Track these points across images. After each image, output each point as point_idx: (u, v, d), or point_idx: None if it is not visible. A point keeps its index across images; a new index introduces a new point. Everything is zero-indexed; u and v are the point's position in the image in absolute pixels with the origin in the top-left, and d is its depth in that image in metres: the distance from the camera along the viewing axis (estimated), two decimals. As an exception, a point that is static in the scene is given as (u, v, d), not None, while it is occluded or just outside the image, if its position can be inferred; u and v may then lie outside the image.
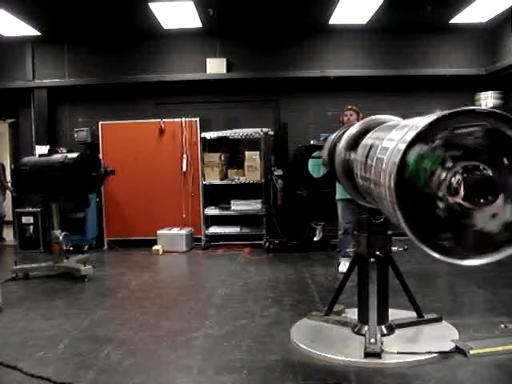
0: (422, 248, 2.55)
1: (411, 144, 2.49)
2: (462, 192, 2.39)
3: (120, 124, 8.32)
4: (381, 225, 3.75)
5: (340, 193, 6.03)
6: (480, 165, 2.44)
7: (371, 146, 3.23)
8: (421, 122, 2.55)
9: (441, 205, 2.50)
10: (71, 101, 8.90)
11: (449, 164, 2.47)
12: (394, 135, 2.86)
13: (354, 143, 3.70)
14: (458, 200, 2.42)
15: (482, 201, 2.40)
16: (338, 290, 4.17)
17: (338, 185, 5.91)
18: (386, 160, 2.70)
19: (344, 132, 3.96)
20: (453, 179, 2.43)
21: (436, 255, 2.56)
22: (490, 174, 2.43)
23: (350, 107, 6.22)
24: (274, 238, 7.81)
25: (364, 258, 3.79)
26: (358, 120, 5.66)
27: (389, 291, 3.85)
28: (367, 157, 3.18)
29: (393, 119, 3.74)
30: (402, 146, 2.52)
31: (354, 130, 3.81)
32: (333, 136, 4.23)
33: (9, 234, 9.02)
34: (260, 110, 8.78)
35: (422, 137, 2.48)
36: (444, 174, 2.47)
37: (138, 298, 5.33)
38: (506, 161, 2.50)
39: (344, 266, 5.91)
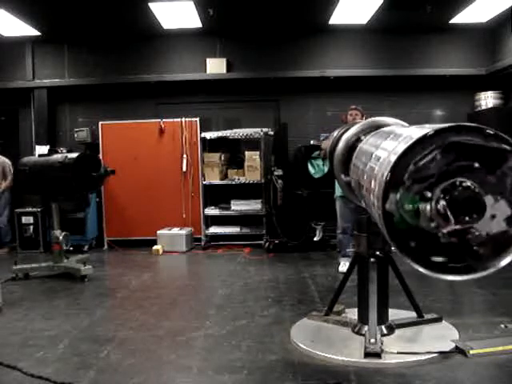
0: (413, 265, 2.54)
1: (384, 198, 2.49)
2: (451, 217, 2.39)
3: (120, 124, 8.32)
4: (381, 225, 3.74)
5: (339, 190, 5.98)
6: (456, 180, 2.42)
7: (365, 153, 3.24)
8: (385, 166, 2.54)
9: (441, 234, 2.49)
10: (71, 101, 8.90)
11: (427, 194, 2.45)
12: (386, 146, 2.89)
13: (352, 146, 3.71)
14: (453, 227, 2.41)
15: (474, 216, 2.39)
16: (337, 290, 4.17)
17: (336, 181, 5.88)
18: (375, 176, 2.73)
19: (345, 131, 3.96)
20: (438, 206, 2.42)
21: (428, 272, 2.56)
22: (468, 183, 2.41)
23: (354, 107, 6.15)
24: (273, 237, 7.81)
25: (364, 258, 3.79)
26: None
27: (389, 291, 3.86)
28: (364, 163, 3.18)
29: (391, 122, 3.75)
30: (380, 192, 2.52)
31: (352, 132, 3.81)
32: (335, 133, 4.22)
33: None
34: (260, 109, 8.78)
35: (391, 185, 2.47)
36: (428, 207, 2.45)
37: (137, 298, 5.33)
38: (476, 164, 2.47)
39: (344, 266, 5.90)
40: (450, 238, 2.49)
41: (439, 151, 2.46)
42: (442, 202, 2.41)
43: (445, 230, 2.46)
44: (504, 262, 2.57)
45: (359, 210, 4.12)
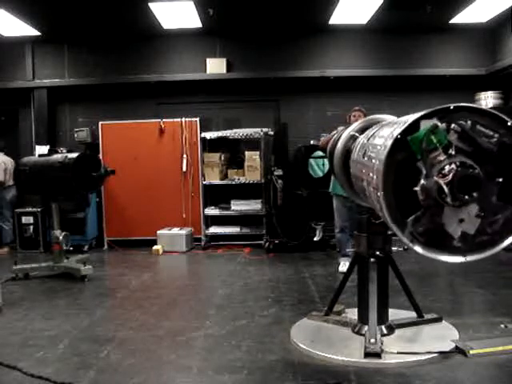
0: (399, 236, 2.65)
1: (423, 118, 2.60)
2: (449, 178, 2.49)
3: (120, 124, 8.32)
4: (381, 225, 3.74)
5: (335, 187, 5.95)
6: (477, 168, 2.53)
7: (363, 146, 3.26)
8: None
9: (424, 182, 2.59)
10: (71, 101, 8.90)
11: (451, 152, 2.56)
12: (383, 133, 2.93)
13: (351, 143, 3.72)
14: (442, 183, 2.50)
15: (463, 196, 2.51)
16: (337, 290, 4.17)
17: (333, 178, 5.86)
18: (379, 147, 2.80)
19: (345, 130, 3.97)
20: (447, 166, 2.53)
21: (413, 247, 2.65)
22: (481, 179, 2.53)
23: (357, 108, 6.12)
24: (274, 237, 7.81)
25: (364, 258, 3.79)
26: None
27: (389, 291, 3.86)
28: (363, 156, 3.19)
29: (390, 118, 3.75)
30: (399, 129, 2.61)
31: (351, 130, 3.82)
32: (334, 133, 4.23)
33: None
34: (260, 109, 8.78)
35: (439, 114, 2.60)
36: (442, 158, 2.56)
37: (137, 298, 5.33)
38: (499, 179, 2.62)
39: (344, 265, 5.90)
40: (424, 196, 2.59)
41: (498, 140, 2.60)
42: (453, 167, 2.52)
43: (435, 180, 2.54)
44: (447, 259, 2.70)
45: (357, 208, 4.12)
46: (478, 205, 2.62)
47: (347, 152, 3.75)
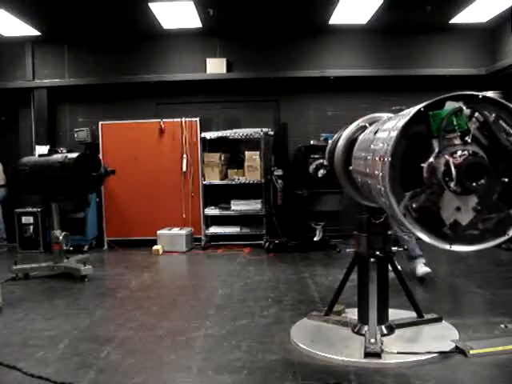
0: (393, 208, 2.63)
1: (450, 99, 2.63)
2: (459, 160, 2.50)
3: (120, 124, 8.32)
4: (381, 225, 3.75)
5: None
6: (486, 162, 2.55)
7: (365, 142, 3.26)
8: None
9: (432, 160, 2.59)
10: (71, 101, 8.90)
11: (467, 139, 2.58)
12: (386, 127, 2.96)
13: (352, 142, 3.71)
14: (452, 164, 2.50)
15: (468, 182, 2.51)
16: (337, 290, 4.17)
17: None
18: (385, 138, 2.81)
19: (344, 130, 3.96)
20: (459, 151, 2.55)
21: (404, 220, 2.64)
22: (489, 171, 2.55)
23: None
24: (273, 238, 7.81)
25: (364, 258, 3.79)
26: None
27: (389, 291, 3.85)
28: (366, 151, 3.19)
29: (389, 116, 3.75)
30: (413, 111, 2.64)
31: (351, 128, 3.81)
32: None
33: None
34: (260, 109, 8.78)
35: (466, 100, 2.62)
36: (457, 142, 2.57)
37: (137, 298, 5.33)
38: (505, 179, 2.64)
39: (422, 266, 5.50)
40: (429, 174, 2.60)
41: None
42: (466, 153, 2.54)
43: (446, 158, 2.54)
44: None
45: (358, 208, 4.09)
46: (478, 198, 2.62)
47: (351, 145, 3.72)
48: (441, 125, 2.56)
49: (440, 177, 2.57)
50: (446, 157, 2.53)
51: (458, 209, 2.63)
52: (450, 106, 2.60)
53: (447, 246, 2.65)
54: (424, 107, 2.62)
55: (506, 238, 2.71)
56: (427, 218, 2.65)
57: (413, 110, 2.65)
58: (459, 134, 2.58)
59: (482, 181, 2.52)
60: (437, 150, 2.59)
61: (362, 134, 3.59)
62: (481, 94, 2.65)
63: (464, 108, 2.60)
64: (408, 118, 2.62)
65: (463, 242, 2.67)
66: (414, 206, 2.61)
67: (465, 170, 2.50)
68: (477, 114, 2.60)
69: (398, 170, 2.63)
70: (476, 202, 2.62)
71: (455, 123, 2.57)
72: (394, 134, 2.64)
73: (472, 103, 2.63)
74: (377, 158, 2.84)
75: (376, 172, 2.82)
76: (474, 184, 2.52)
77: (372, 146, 3.08)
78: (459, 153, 2.54)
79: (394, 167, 2.62)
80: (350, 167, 3.64)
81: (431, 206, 2.61)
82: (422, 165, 2.61)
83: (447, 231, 2.64)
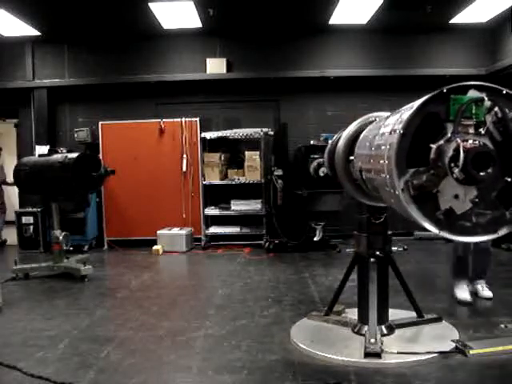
0: (394, 180, 2.63)
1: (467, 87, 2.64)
2: (469, 146, 2.50)
3: (120, 124, 8.33)
4: (381, 225, 3.75)
5: None
6: (495, 155, 2.55)
7: (367, 139, 3.26)
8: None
9: (442, 142, 2.59)
10: (71, 101, 8.90)
11: (481, 131, 2.59)
12: (389, 121, 2.98)
13: (353, 141, 3.71)
14: (462, 147, 2.49)
15: (474, 171, 2.50)
16: (337, 289, 4.17)
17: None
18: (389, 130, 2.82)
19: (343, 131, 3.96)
20: (471, 141, 2.56)
21: (401, 194, 2.63)
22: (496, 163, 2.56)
23: None
24: (274, 238, 7.82)
25: (364, 258, 3.79)
26: None
27: (389, 291, 3.86)
28: (370, 147, 3.18)
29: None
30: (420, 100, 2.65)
31: (351, 128, 3.81)
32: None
33: (10, 235, 8.96)
34: (260, 109, 8.77)
35: (490, 92, 2.63)
36: (471, 131, 2.59)
37: (138, 298, 5.33)
38: (508, 179, 2.64)
39: (464, 291, 4.77)
40: (436, 155, 2.60)
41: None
42: (477, 143, 2.55)
43: (458, 141, 2.53)
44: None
45: (358, 208, 4.08)
46: (477, 191, 2.63)
47: (352, 143, 3.71)
48: (459, 109, 2.57)
49: (446, 161, 2.56)
50: (458, 140, 2.53)
51: (457, 197, 2.63)
52: (472, 94, 2.62)
53: (436, 231, 2.64)
54: (447, 89, 2.63)
55: (495, 236, 2.72)
56: (424, 198, 2.65)
57: (436, 92, 2.66)
58: (475, 123, 2.59)
59: (489, 170, 2.52)
60: (449, 134, 2.59)
61: (364, 131, 3.58)
62: (505, 90, 2.65)
63: (486, 99, 2.61)
64: (430, 95, 2.63)
65: (453, 231, 2.66)
66: (414, 182, 2.61)
67: (473, 156, 2.49)
68: (496, 109, 2.61)
69: (406, 145, 2.62)
70: (475, 195, 2.63)
71: (473, 112, 2.58)
72: (411, 110, 2.65)
73: (494, 97, 2.63)
74: (386, 133, 2.84)
75: (382, 147, 2.81)
76: (480, 173, 2.52)
77: (377, 137, 3.07)
78: (470, 141, 2.55)
79: (404, 141, 2.62)
80: (351, 157, 3.64)
81: (431, 187, 2.61)
82: (432, 145, 2.60)
83: (440, 216, 2.64)
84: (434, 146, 2.59)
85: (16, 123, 9.82)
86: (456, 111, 2.58)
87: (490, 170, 2.51)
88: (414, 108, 2.63)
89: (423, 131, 2.63)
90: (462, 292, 4.77)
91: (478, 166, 2.50)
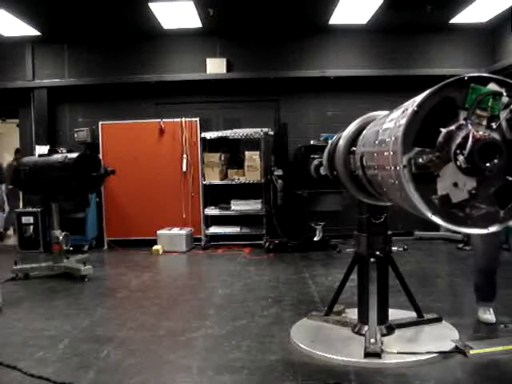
0: (397, 156, 2.62)
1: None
2: (479, 136, 2.51)
3: (120, 124, 8.33)
4: (381, 225, 3.75)
5: None
6: (504, 149, 2.56)
7: (369, 136, 3.26)
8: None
9: (453, 128, 2.59)
10: (71, 101, 8.90)
11: (493, 125, 2.60)
12: (392, 116, 3.00)
13: (353, 139, 3.70)
14: (471, 135, 2.50)
15: (480, 161, 2.49)
16: (337, 289, 4.17)
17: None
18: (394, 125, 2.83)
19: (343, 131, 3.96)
20: (482, 132, 2.55)
21: (402, 171, 2.62)
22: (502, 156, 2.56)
23: None
24: (273, 238, 7.82)
25: (364, 258, 3.79)
26: None
27: (389, 291, 3.86)
28: (373, 143, 3.18)
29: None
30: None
31: (351, 127, 3.81)
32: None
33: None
34: (260, 109, 8.78)
35: (510, 88, 2.63)
36: (485, 123, 2.59)
37: (138, 298, 5.33)
38: (510, 178, 2.63)
39: (488, 313, 4.21)
40: (444, 139, 2.60)
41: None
42: (486, 136, 2.54)
43: (469, 129, 2.54)
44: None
45: (358, 208, 4.06)
46: (477, 183, 2.63)
47: (353, 141, 3.71)
48: (477, 98, 2.59)
49: (453, 147, 2.57)
50: (470, 127, 2.54)
51: (455, 185, 2.63)
52: (492, 87, 2.63)
53: (429, 214, 2.65)
54: (468, 77, 2.65)
55: (485, 231, 2.72)
56: (423, 179, 2.65)
57: (456, 77, 2.68)
58: (489, 115, 2.60)
59: (495, 161, 2.52)
60: (461, 121, 2.60)
61: (366, 129, 3.57)
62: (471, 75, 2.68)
63: (504, 95, 2.61)
64: (450, 80, 2.64)
65: (444, 218, 2.66)
66: (417, 160, 2.61)
67: (480, 146, 2.50)
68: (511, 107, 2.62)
69: (416, 125, 2.62)
70: (473, 187, 2.63)
71: (490, 104, 2.60)
72: (428, 90, 2.66)
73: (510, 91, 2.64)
74: (400, 111, 2.85)
75: (387, 140, 2.82)
76: (487, 163, 2.52)
77: (380, 131, 3.07)
78: (480, 133, 2.55)
79: (415, 120, 2.62)
80: (352, 151, 3.64)
81: (433, 169, 2.62)
82: (442, 129, 2.61)
83: (435, 200, 2.65)
84: (443, 130, 2.60)
85: (18, 123, 9.82)
86: (473, 100, 2.60)
87: (495, 161, 2.52)
88: (433, 88, 2.64)
89: (435, 114, 2.63)
90: (484, 314, 4.23)
91: (483, 157, 2.50)
